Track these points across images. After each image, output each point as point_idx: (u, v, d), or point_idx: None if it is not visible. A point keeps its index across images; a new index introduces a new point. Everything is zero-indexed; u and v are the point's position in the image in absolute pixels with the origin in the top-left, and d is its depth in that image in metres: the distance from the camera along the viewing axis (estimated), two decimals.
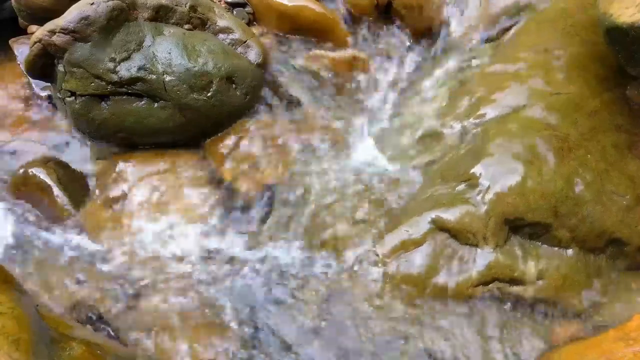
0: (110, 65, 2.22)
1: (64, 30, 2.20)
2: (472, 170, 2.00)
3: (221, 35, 2.48)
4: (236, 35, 2.49)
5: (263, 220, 2.17)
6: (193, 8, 2.44)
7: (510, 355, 1.78)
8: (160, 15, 2.39)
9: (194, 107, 2.28)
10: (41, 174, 2.23)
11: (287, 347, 1.78)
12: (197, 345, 1.78)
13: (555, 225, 1.93)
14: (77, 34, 2.20)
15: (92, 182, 2.31)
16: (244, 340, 1.80)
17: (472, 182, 1.98)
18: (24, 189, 2.25)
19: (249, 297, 1.92)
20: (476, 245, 1.90)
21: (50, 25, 2.24)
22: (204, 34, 2.45)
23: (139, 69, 2.23)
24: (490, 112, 2.19)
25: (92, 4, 2.20)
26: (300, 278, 1.97)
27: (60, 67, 2.27)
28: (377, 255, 1.94)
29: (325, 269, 1.98)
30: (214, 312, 1.87)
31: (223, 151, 2.35)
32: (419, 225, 1.95)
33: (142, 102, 2.28)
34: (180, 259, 2.04)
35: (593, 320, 1.87)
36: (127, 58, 2.24)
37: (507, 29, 2.51)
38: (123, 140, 2.37)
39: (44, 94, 2.58)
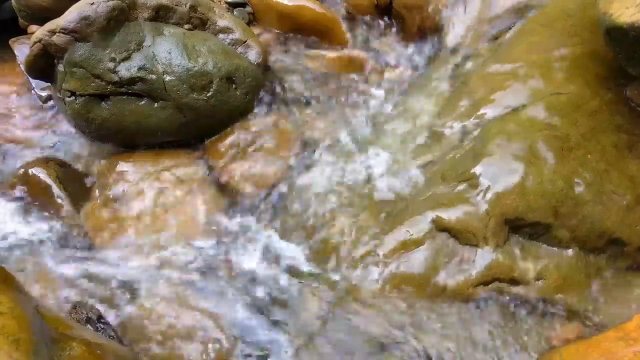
0: (111, 65, 2.22)
1: (64, 30, 2.20)
2: (472, 170, 2.00)
3: (221, 35, 2.48)
4: (236, 35, 2.49)
5: (263, 220, 2.17)
6: (193, 8, 2.44)
7: (510, 355, 1.78)
8: (160, 15, 2.39)
9: (194, 107, 2.28)
10: (41, 173, 2.22)
11: (287, 347, 1.78)
12: (197, 344, 1.78)
13: (555, 225, 1.93)
14: (77, 33, 2.20)
15: (92, 182, 2.31)
16: (242, 340, 1.80)
17: (472, 182, 1.98)
18: (24, 188, 2.24)
19: (249, 297, 1.92)
20: (476, 245, 1.90)
21: (50, 25, 2.24)
22: (204, 33, 2.45)
23: (139, 69, 2.23)
24: (490, 112, 2.19)
25: (92, 4, 2.20)
26: (300, 277, 1.97)
27: (60, 67, 2.27)
28: (378, 255, 1.94)
29: (325, 268, 1.98)
30: (214, 311, 1.87)
31: (223, 151, 2.35)
32: (420, 225, 1.95)
33: (142, 102, 2.28)
34: (181, 259, 2.04)
35: (593, 320, 1.87)
36: (127, 58, 2.24)
37: (507, 29, 2.51)
38: (123, 140, 2.38)
39: (44, 94, 2.58)
